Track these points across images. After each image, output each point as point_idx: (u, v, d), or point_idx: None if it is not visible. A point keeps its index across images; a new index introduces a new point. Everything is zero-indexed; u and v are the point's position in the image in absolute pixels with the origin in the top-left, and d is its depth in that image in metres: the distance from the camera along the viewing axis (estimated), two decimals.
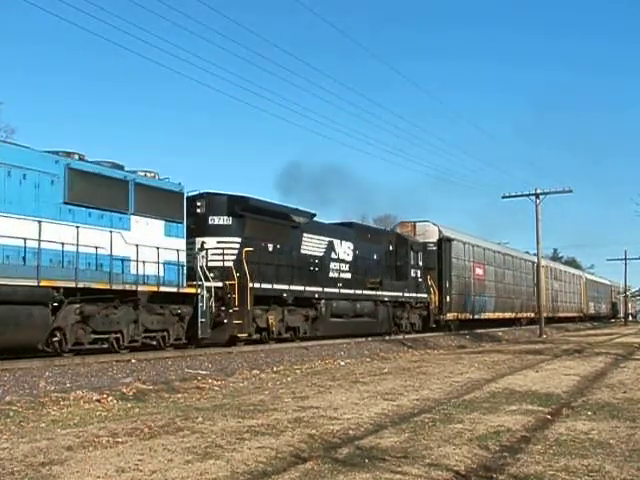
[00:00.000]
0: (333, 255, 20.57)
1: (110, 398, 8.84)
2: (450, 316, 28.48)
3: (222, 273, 15.72)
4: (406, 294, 24.75)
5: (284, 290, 17.72)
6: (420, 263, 26.28)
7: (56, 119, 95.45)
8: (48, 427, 6.87)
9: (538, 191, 34.02)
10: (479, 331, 30.35)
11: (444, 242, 28.55)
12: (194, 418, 7.17)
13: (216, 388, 10.34)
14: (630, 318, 76.55)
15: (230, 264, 15.87)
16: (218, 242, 16.01)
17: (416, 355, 18.28)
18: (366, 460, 5.23)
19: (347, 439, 6.13)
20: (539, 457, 5.37)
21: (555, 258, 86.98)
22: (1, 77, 58.04)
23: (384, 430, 6.56)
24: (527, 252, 46.57)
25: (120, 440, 6.00)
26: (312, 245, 19.64)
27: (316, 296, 19.16)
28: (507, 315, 37.38)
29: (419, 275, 26.05)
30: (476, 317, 31.73)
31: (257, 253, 16.64)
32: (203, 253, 15.35)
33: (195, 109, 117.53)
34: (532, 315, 41.82)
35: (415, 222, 29.16)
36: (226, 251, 15.96)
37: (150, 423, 6.87)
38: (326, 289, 19.64)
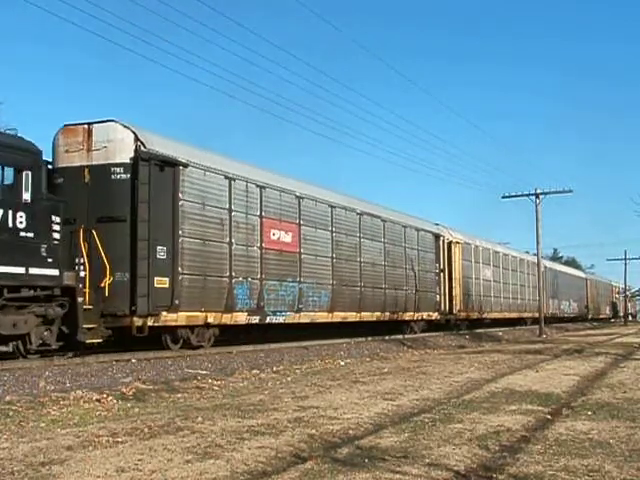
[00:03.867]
0: None
1: (110, 398, 8.83)
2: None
3: None
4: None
5: None
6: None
7: None
8: (48, 427, 6.87)
9: (538, 191, 34.03)
10: (479, 331, 30.33)
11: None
12: (194, 418, 7.17)
13: (216, 388, 10.33)
14: (630, 318, 76.52)
15: None
16: None
17: (416, 355, 18.27)
18: (366, 460, 5.23)
19: (347, 439, 6.13)
20: (539, 457, 5.37)
21: (555, 258, 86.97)
22: None
23: (384, 430, 6.56)
24: (527, 252, 46.36)
25: (120, 440, 6.00)
26: None
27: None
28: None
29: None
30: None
31: None
32: None
33: (195, 107, 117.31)
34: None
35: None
36: None
37: (150, 423, 6.87)
38: None
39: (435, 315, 26.51)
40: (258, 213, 16.17)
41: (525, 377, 11.63)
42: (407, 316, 23.95)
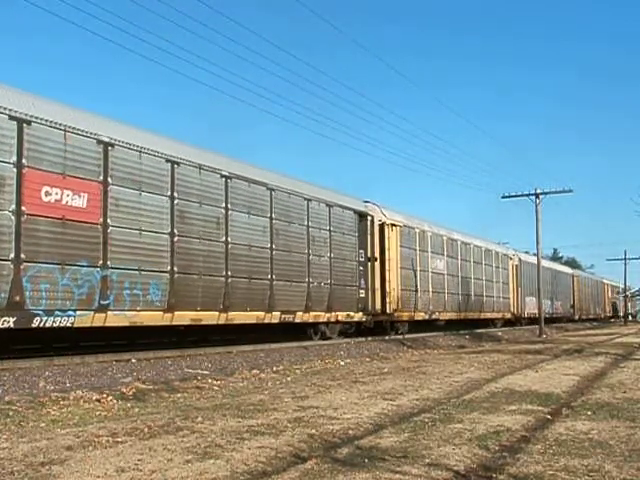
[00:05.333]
0: None
1: (110, 398, 8.84)
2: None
3: None
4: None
5: None
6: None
7: None
8: (48, 427, 6.87)
9: (538, 191, 34.03)
10: (479, 331, 30.27)
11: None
12: (194, 418, 7.17)
13: (216, 388, 10.33)
14: (630, 318, 76.53)
15: None
16: None
17: (416, 355, 18.28)
18: (366, 460, 5.23)
19: (347, 439, 6.13)
20: (539, 457, 5.37)
21: (555, 258, 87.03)
22: None
23: (384, 430, 6.56)
24: (527, 252, 45.95)
25: (120, 440, 6.00)
26: None
27: None
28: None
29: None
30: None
31: None
32: None
33: (195, 111, 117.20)
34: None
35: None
36: None
37: (150, 423, 6.87)
38: None
39: (358, 316, 20.48)
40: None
41: (525, 377, 11.62)
42: (310, 317, 17.93)
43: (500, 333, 31.13)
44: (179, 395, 9.47)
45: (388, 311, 22.40)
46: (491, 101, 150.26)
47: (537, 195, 33.95)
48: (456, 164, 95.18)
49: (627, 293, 75.72)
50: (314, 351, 17.03)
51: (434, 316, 26.30)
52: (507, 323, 36.63)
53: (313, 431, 6.44)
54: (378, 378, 11.54)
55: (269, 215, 16.71)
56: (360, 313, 20.64)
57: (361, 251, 20.94)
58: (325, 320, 18.94)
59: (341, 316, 19.60)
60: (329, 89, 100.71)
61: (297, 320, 17.48)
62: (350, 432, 6.46)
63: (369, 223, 21.56)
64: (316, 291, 18.34)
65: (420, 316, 25.05)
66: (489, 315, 33.12)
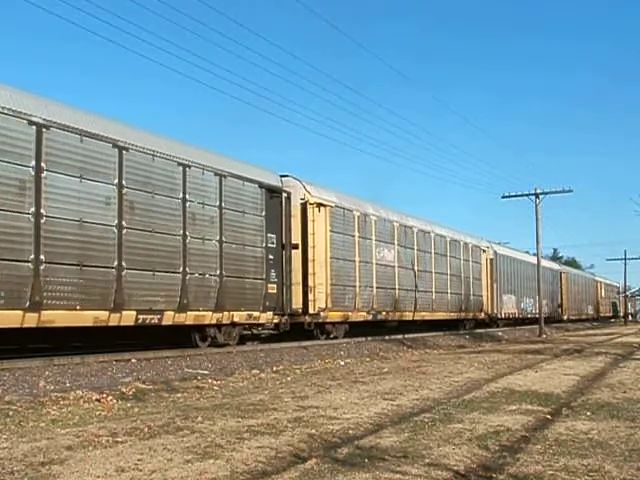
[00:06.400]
0: None
1: (110, 398, 8.84)
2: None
3: None
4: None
5: None
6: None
7: None
8: (48, 427, 6.87)
9: (538, 191, 34.05)
10: (479, 331, 30.25)
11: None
12: (194, 418, 7.17)
13: (216, 388, 10.33)
14: (630, 318, 76.56)
15: None
16: None
17: (416, 355, 18.27)
18: (366, 460, 5.23)
19: (347, 439, 6.13)
20: (539, 457, 5.37)
21: (555, 258, 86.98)
22: None
23: (384, 430, 6.56)
24: (527, 252, 45.65)
25: (120, 440, 6.00)
26: None
27: None
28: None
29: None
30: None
31: None
32: None
33: (195, 109, 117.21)
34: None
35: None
36: None
37: (150, 423, 6.87)
38: None
39: (266, 316, 16.13)
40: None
41: (525, 377, 11.62)
42: (188, 318, 13.80)
43: (500, 333, 31.10)
44: (179, 395, 9.47)
45: (312, 310, 17.91)
46: (491, 101, 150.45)
47: (537, 195, 34.02)
48: (456, 164, 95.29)
49: (627, 293, 75.75)
50: (314, 351, 17.03)
51: (380, 317, 21.63)
52: (480, 325, 31.90)
53: (313, 431, 6.44)
54: (378, 378, 11.54)
55: (116, 182, 12.34)
56: (269, 313, 16.11)
57: (271, 235, 16.34)
58: (214, 322, 14.71)
59: (239, 317, 15.22)
60: (328, 89, 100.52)
61: (166, 322, 13.33)
62: (350, 432, 6.46)
63: (284, 201, 16.94)
64: (197, 284, 14.06)
65: (360, 317, 20.46)
66: (455, 316, 28.46)
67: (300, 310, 17.81)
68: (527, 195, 34.34)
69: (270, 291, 16.15)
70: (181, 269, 13.71)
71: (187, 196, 13.97)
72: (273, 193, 16.57)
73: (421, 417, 7.32)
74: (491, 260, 33.05)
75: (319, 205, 18.67)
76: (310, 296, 17.96)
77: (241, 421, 7.00)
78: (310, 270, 18.04)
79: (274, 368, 13.37)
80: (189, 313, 13.88)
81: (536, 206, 33.86)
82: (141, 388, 9.90)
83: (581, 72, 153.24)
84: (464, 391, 9.63)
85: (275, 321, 16.68)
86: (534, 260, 37.88)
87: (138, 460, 5.21)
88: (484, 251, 32.36)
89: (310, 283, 18.01)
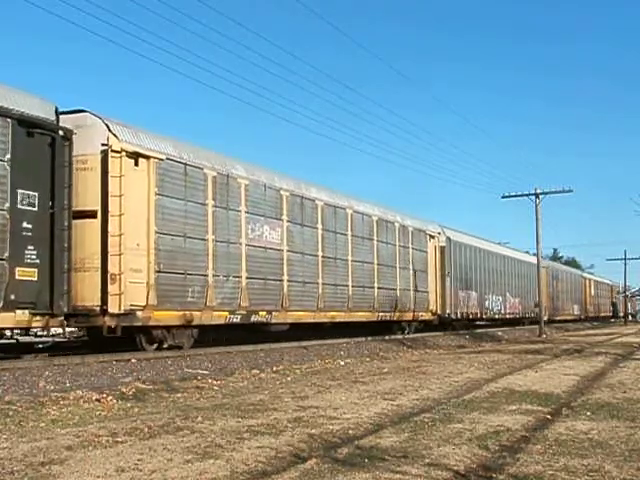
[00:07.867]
0: None
1: (110, 398, 8.83)
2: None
3: None
4: None
5: None
6: None
7: None
8: (48, 427, 6.87)
9: (538, 191, 34.04)
10: (479, 331, 30.23)
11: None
12: (194, 418, 7.16)
13: (216, 388, 10.33)
14: (630, 318, 76.56)
15: None
16: None
17: (416, 355, 18.26)
18: (366, 460, 5.23)
19: (347, 439, 6.12)
20: (539, 457, 5.36)
21: (555, 258, 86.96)
22: None
23: (384, 430, 6.56)
24: (527, 252, 45.43)
25: (120, 440, 6.00)
26: None
27: None
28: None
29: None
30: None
31: None
32: None
33: (194, 106, 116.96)
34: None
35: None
36: None
37: (150, 423, 6.87)
38: None
39: (10, 316, 10.46)
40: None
41: (525, 377, 11.62)
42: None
43: (500, 333, 31.09)
44: (179, 395, 9.46)
45: (116, 309, 12.25)
46: (491, 101, 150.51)
47: (537, 195, 33.99)
48: (456, 164, 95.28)
49: (627, 293, 75.75)
50: (314, 351, 17.02)
51: (256, 318, 16.19)
52: (428, 327, 25.72)
53: (313, 431, 6.43)
54: (378, 378, 11.53)
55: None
56: (19, 312, 10.60)
57: (26, 193, 10.82)
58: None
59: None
60: (328, 89, 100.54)
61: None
62: (350, 432, 6.46)
63: (59, 144, 11.38)
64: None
65: (218, 318, 15.03)
66: (386, 316, 21.48)
67: (96, 308, 12.29)
68: (527, 195, 34.32)
69: (22, 277, 10.66)
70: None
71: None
72: (34, 129, 11.06)
73: (421, 417, 7.31)
74: (442, 248, 26.52)
75: (137, 155, 12.97)
76: (113, 287, 12.23)
77: (241, 421, 7.00)
78: (115, 249, 12.31)
79: (274, 368, 13.36)
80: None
81: (536, 206, 33.84)
82: (141, 388, 9.89)
83: (581, 72, 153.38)
84: (464, 391, 9.63)
85: (36, 324, 11.16)
86: (511, 254, 34.27)
87: (138, 460, 5.21)
88: (432, 237, 25.84)
89: (113, 269, 12.25)
